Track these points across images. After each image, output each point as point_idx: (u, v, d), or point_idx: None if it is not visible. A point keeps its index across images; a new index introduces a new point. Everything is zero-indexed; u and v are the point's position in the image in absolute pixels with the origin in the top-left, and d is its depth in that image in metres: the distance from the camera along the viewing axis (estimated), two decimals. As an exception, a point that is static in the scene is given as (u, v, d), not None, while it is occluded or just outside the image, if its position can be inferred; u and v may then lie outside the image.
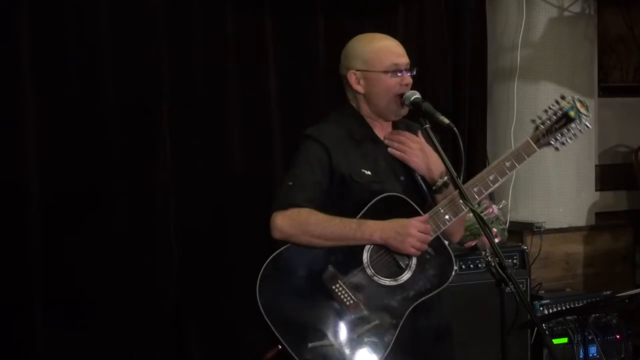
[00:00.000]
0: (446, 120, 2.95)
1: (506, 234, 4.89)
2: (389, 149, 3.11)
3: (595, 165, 5.67)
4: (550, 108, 3.09)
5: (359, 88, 3.09)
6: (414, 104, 3.03)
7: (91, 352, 4.30)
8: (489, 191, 3.06)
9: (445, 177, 3.05)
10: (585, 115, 3.08)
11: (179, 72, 4.55)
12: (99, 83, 4.36)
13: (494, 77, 5.49)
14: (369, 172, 3.04)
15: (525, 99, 5.30)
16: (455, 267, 3.05)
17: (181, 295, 4.54)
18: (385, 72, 3.06)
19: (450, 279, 3.01)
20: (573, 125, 3.07)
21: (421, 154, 3.10)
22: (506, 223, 5.04)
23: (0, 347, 4.16)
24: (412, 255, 2.97)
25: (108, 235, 4.37)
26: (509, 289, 2.84)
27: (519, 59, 5.25)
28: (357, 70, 3.08)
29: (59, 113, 4.29)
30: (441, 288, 3.01)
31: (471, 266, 4.48)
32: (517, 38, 5.25)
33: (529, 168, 5.21)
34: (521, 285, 4.42)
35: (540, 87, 5.29)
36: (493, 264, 2.88)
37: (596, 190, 5.64)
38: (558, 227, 5.27)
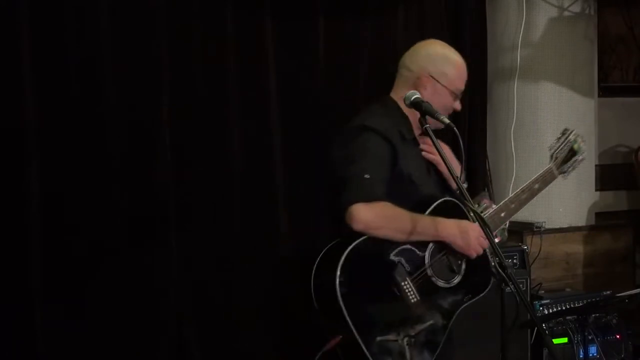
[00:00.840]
0: (446, 120, 2.97)
1: (506, 234, 4.89)
2: (423, 152, 3.18)
3: (595, 165, 5.67)
4: (560, 139, 3.41)
5: (424, 92, 3.11)
6: (414, 104, 3.04)
7: (91, 352, 4.30)
8: (522, 207, 3.36)
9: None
10: (583, 151, 3.44)
11: (179, 72, 4.54)
12: (99, 83, 4.35)
13: (494, 77, 5.49)
14: (418, 174, 3.10)
15: (525, 99, 5.30)
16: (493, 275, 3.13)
17: (181, 295, 4.53)
18: (452, 92, 3.16)
19: (490, 286, 3.11)
20: (575, 157, 3.42)
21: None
22: (506, 223, 5.03)
23: (0, 347, 4.15)
24: (471, 257, 3.05)
25: (108, 235, 4.36)
26: (509, 289, 2.85)
27: (519, 59, 5.25)
28: (431, 76, 3.13)
29: (59, 113, 4.28)
30: (482, 294, 3.11)
31: (471, 266, 4.47)
32: (517, 38, 5.25)
33: (529, 168, 5.20)
34: (521, 285, 4.43)
35: (540, 87, 5.29)
36: (493, 264, 2.89)
37: (596, 190, 5.64)
38: (558, 227, 5.27)
